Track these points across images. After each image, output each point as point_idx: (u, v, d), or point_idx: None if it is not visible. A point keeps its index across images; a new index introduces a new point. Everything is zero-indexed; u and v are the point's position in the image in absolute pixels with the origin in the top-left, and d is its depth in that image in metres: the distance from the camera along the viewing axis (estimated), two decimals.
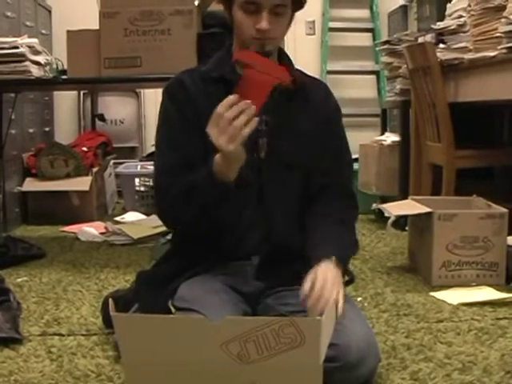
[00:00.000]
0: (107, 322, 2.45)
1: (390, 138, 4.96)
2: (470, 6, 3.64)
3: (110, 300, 1.61)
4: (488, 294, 2.98)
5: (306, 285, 1.75)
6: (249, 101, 1.65)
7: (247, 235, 1.96)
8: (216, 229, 1.92)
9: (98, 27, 3.68)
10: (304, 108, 2.03)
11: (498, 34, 3.30)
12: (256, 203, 1.97)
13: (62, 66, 4.11)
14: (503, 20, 3.21)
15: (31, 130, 5.31)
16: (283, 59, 2.05)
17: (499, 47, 3.25)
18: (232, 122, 1.64)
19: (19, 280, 3.28)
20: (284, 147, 1.98)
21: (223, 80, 1.96)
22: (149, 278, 2.08)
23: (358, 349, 1.76)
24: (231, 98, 1.66)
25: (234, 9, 1.92)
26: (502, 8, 3.29)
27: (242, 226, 1.96)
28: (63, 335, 2.48)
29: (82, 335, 2.48)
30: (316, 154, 2.01)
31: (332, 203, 2.01)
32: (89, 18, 3.95)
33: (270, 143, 1.97)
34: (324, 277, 1.77)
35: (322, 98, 2.08)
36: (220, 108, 1.66)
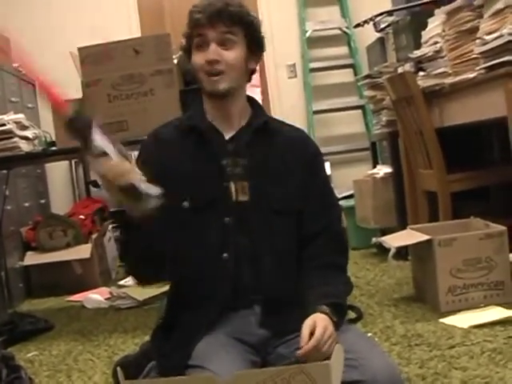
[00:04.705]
0: None
1: (382, 170, 4.97)
2: (444, 31, 3.68)
3: (118, 368, 1.61)
4: (497, 313, 2.97)
5: (304, 336, 1.76)
6: None
7: (241, 285, 1.93)
8: (188, 279, 1.93)
9: (81, 96, 3.72)
10: (282, 153, 2.03)
11: (474, 56, 3.35)
12: (245, 250, 1.95)
13: (50, 137, 4.14)
14: (478, 41, 3.25)
15: (27, 204, 5.33)
16: (255, 107, 2.07)
17: (477, 68, 3.29)
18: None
19: (29, 355, 3.28)
20: (271, 191, 1.98)
21: (195, 129, 2.00)
22: (163, 335, 2.06)
23: (384, 382, 1.74)
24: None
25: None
26: (475, 30, 3.34)
27: (233, 275, 1.92)
28: None
29: None
30: (301, 198, 2.01)
31: (323, 250, 1.99)
32: (72, 88, 4.00)
33: (254, 187, 1.96)
34: (321, 329, 1.77)
35: (301, 143, 2.09)
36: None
